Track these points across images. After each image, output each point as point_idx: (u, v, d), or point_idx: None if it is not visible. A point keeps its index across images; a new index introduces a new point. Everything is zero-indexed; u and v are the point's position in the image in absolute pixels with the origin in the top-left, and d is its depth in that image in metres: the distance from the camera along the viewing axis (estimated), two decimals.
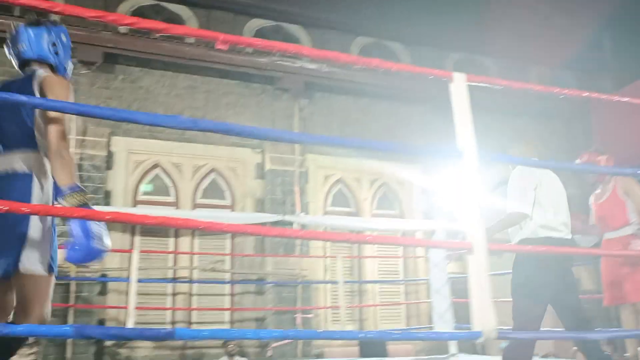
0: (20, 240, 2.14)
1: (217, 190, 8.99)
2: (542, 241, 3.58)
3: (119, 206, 8.00)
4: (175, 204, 8.64)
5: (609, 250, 4.57)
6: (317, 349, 8.44)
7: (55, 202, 2.33)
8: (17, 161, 2.24)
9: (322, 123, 9.65)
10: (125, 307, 7.13)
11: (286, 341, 7.94)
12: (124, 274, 7.68)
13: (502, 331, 2.28)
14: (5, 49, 2.53)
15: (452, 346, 6.52)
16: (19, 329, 1.58)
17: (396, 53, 11.08)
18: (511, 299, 3.67)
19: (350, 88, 9.87)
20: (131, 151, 8.43)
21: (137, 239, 8.20)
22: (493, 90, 9.63)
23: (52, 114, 2.22)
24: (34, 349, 2.41)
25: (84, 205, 2.12)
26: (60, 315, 7.18)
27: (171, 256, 8.37)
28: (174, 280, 8.31)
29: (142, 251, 7.49)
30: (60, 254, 2.28)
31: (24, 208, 1.69)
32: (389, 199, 10.01)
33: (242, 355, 7.93)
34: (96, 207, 2.40)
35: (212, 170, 8.95)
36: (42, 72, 2.39)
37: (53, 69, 2.48)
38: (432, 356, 7.28)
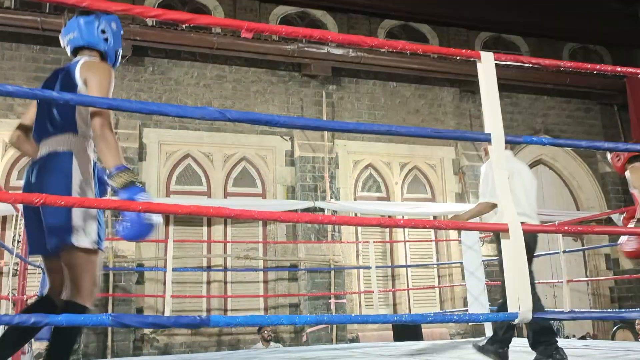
0: (67, 217, 2.25)
1: (248, 178, 9.06)
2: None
3: (152, 197, 8.12)
4: (207, 194, 8.74)
5: None
6: (351, 334, 8.48)
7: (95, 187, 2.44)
8: (58, 143, 2.36)
9: (351, 108, 9.62)
10: (162, 296, 7.27)
11: (321, 326, 8.00)
12: (159, 264, 7.83)
13: (539, 312, 2.25)
14: (60, 39, 2.62)
15: (488, 328, 6.48)
16: (59, 318, 1.63)
17: (424, 35, 10.93)
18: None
19: (377, 72, 9.79)
20: (163, 142, 8.55)
21: (172, 228, 8.34)
22: (524, 69, 9.48)
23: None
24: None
25: (131, 183, 2.20)
26: (100, 305, 7.37)
27: (205, 245, 8.49)
28: (209, 268, 8.43)
29: (176, 240, 7.63)
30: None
31: (59, 201, 1.74)
32: (420, 183, 9.95)
33: (278, 341, 8.02)
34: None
35: (242, 159, 9.02)
36: (86, 57, 2.47)
37: (102, 56, 2.56)
38: (468, 339, 7.25)
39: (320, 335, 8.09)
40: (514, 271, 2.30)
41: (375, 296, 7.59)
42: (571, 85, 10.72)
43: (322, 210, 8.60)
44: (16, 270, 5.45)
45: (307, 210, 8.52)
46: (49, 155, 2.36)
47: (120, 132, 8.08)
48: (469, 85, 9.83)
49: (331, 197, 8.81)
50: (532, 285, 3.86)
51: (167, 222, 8.34)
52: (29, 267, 5.25)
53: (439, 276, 9.53)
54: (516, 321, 2.29)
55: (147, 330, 7.70)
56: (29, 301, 5.09)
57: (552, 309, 8.00)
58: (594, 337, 9.11)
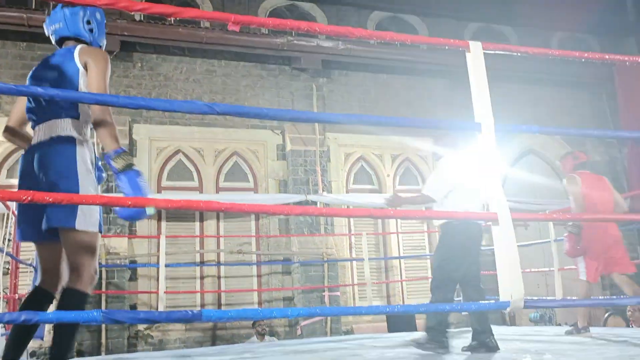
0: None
1: (240, 173, 9.04)
2: (461, 222, 3.94)
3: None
4: (199, 189, 8.72)
5: None
6: (345, 326, 8.50)
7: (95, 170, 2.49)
8: (60, 127, 2.39)
9: (341, 101, 9.61)
10: (155, 292, 7.26)
11: (315, 319, 8.01)
12: (152, 260, 7.81)
13: (530, 301, 2.26)
14: (45, 28, 2.67)
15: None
16: (49, 316, 1.62)
17: (414, 26, 10.93)
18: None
19: (367, 64, 9.78)
20: (153, 138, 8.51)
21: (164, 224, 8.32)
22: (513, 59, 9.50)
23: (94, 85, 2.36)
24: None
25: (130, 165, 2.31)
26: (93, 302, 7.35)
27: (198, 240, 8.48)
28: (202, 263, 8.42)
29: (168, 236, 7.62)
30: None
31: (47, 197, 1.72)
32: (411, 174, 9.96)
33: (272, 334, 8.03)
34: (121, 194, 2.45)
35: (233, 154, 9.00)
36: (79, 46, 2.52)
37: (88, 45, 2.61)
38: (461, 329, 7.29)
39: (315, 328, 8.11)
40: (504, 260, 2.31)
41: (369, 288, 7.61)
42: (560, 75, 10.76)
43: (315, 203, 8.60)
44: (7, 269, 5.42)
45: (299, 203, 8.52)
46: (52, 140, 2.37)
47: None
48: (460, 77, 9.80)
49: (323, 191, 8.81)
50: (478, 277, 4.11)
51: (159, 218, 8.32)
52: (21, 265, 5.22)
53: (431, 267, 9.56)
54: (508, 309, 2.31)
55: (141, 327, 7.68)
56: (21, 300, 5.07)
57: (544, 298, 8.06)
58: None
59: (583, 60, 2.62)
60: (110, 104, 1.96)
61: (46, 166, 2.32)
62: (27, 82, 2.55)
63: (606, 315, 8.16)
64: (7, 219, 5.27)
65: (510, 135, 9.13)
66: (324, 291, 8.28)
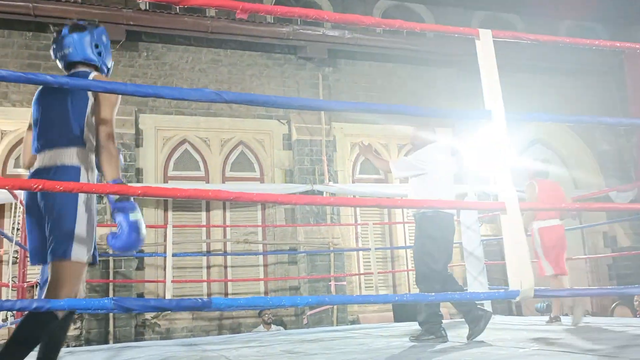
0: (70, 233, 2.30)
1: (246, 162, 9.04)
2: (435, 213, 4.12)
3: (150, 183, 8.12)
4: (205, 179, 8.73)
5: None
6: (352, 316, 8.53)
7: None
8: (66, 156, 2.40)
9: (347, 90, 9.58)
10: (162, 281, 7.30)
11: (321, 308, 8.04)
12: (159, 249, 7.84)
13: (539, 290, 2.25)
14: (51, 53, 2.69)
15: (487, 307, 6.51)
16: (61, 303, 1.63)
17: (420, 15, 10.84)
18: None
19: (374, 53, 9.74)
20: (159, 128, 8.51)
21: (170, 214, 8.34)
22: (521, 47, 9.42)
23: (102, 114, 2.42)
24: (78, 325, 2.54)
25: (126, 197, 2.30)
26: (101, 291, 7.40)
27: (204, 230, 8.50)
28: (208, 253, 8.45)
29: (175, 226, 7.64)
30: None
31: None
32: None
33: (279, 324, 8.07)
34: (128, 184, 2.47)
35: (239, 143, 8.99)
36: (93, 74, 2.56)
37: (97, 69, 2.66)
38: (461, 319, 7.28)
39: (321, 317, 8.13)
40: (513, 249, 2.30)
41: (375, 278, 7.62)
42: (568, 63, 10.68)
43: (321, 193, 8.60)
44: (16, 258, 5.45)
45: (305, 193, 8.52)
46: (56, 168, 2.38)
47: (117, 118, 8.02)
48: (466, 65, 9.76)
49: (329, 180, 8.81)
50: (446, 268, 4.19)
51: (165, 208, 8.34)
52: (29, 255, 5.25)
53: None
54: (517, 299, 2.30)
55: (148, 316, 7.73)
56: (29, 288, 5.10)
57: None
58: (593, 314, 9.18)
59: (594, 48, 2.59)
60: (119, 92, 1.96)
61: (46, 195, 2.33)
62: (34, 102, 2.58)
63: (613, 305, 8.16)
64: (15, 208, 5.30)
65: (518, 124, 9.08)
66: (330, 281, 8.29)
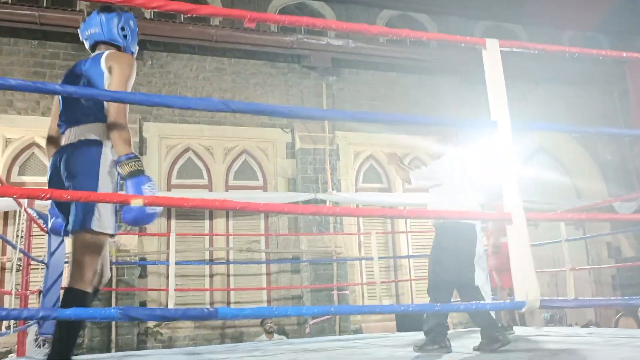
0: (90, 203, 2.32)
1: (249, 171, 9.05)
2: (454, 224, 4.03)
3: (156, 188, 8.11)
4: (209, 187, 8.74)
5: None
6: (354, 325, 8.50)
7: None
8: (88, 131, 2.44)
9: (351, 99, 9.59)
10: (165, 289, 7.28)
11: (324, 318, 8.01)
12: (162, 257, 7.83)
13: (545, 300, 2.24)
14: (79, 32, 2.73)
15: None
16: (67, 312, 1.62)
17: (423, 24, 10.89)
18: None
19: (377, 63, 9.76)
20: (163, 136, 8.53)
21: (173, 222, 8.34)
22: (524, 57, 9.44)
23: (114, 88, 2.41)
24: (80, 332, 2.54)
25: (138, 171, 2.34)
26: (104, 299, 7.38)
27: (207, 238, 8.49)
28: (211, 261, 8.44)
29: (178, 234, 7.62)
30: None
31: (65, 195, 1.73)
32: None
33: (281, 333, 8.04)
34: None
35: (243, 152, 9.01)
36: (108, 51, 2.59)
37: (121, 50, 2.69)
38: (471, 328, 7.26)
39: (324, 326, 8.11)
40: (519, 259, 2.29)
41: (378, 287, 7.59)
42: (571, 73, 10.70)
43: (324, 202, 8.59)
44: (19, 265, 5.45)
45: (308, 202, 8.52)
46: (80, 142, 2.42)
47: None
48: (469, 75, 9.78)
49: (332, 189, 8.80)
50: (472, 278, 4.08)
51: (169, 216, 8.34)
52: (32, 262, 5.25)
53: None
54: (523, 309, 2.29)
55: (151, 324, 7.71)
56: (32, 296, 5.10)
57: (555, 298, 8.01)
58: (597, 325, 9.14)
59: (600, 58, 2.60)
60: (126, 101, 1.96)
61: (70, 165, 2.38)
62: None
63: (617, 316, 8.12)
64: (19, 216, 5.30)
65: (522, 133, 9.09)
66: (332, 290, 8.27)
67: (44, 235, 4.96)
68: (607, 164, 10.89)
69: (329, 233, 8.59)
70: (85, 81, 2.50)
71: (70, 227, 2.36)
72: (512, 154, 2.26)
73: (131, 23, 2.72)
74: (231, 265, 8.47)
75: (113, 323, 7.27)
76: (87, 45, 2.70)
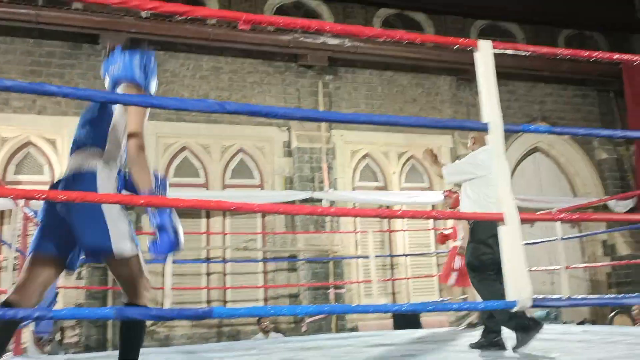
0: (104, 226, 2.27)
1: (246, 169, 9.06)
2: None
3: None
4: (205, 185, 8.75)
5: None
6: (351, 323, 8.53)
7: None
8: (88, 159, 2.37)
9: (348, 98, 9.61)
10: (161, 288, 7.29)
11: (321, 316, 8.03)
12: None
13: (537, 299, 2.27)
14: (102, 69, 2.68)
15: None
16: (62, 312, 1.64)
17: (420, 23, 10.90)
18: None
19: (374, 61, 9.78)
20: (160, 135, 8.53)
21: None
22: (520, 56, 9.46)
23: (132, 126, 2.37)
24: (76, 331, 2.55)
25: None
26: (100, 298, 7.40)
27: (204, 236, 8.50)
28: (208, 260, 8.45)
29: None
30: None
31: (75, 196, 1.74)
32: (417, 172, 9.96)
33: (277, 331, 8.06)
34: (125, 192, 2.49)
35: (239, 150, 9.02)
36: (124, 87, 2.55)
37: (140, 90, 2.63)
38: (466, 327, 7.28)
39: (320, 325, 8.13)
40: (511, 259, 2.31)
41: (375, 285, 7.62)
42: (568, 72, 10.73)
43: (320, 200, 8.61)
44: (15, 265, 5.45)
45: (305, 200, 8.54)
46: (74, 176, 2.36)
47: None
48: (466, 74, 9.81)
49: (329, 188, 8.82)
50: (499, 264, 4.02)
51: None
52: None
53: (437, 265, 9.56)
54: (515, 309, 2.31)
55: (148, 323, 7.70)
56: None
57: (550, 296, 8.04)
58: (592, 323, 9.18)
59: (592, 59, 2.62)
60: (123, 102, 1.98)
61: (72, 214, 2.28)
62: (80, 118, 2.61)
63: (612, 314, 8.16)
64: (15, 215, 5.30)
65: (516, 133, 9.12)
66: (329, 288, 8.29)
67: None
68: (602, 162, 10.93)
69: (325, 231, 8.62)
70: (99, 107, 2.47)
71: (89, 256, 2.33)
72: (504, 155, 2.28)
73: (152, 61, 2.69)
74: (228, 264, 8.48)
75: (109, 321, 7.28)
76: (107, 82, 2.65)
